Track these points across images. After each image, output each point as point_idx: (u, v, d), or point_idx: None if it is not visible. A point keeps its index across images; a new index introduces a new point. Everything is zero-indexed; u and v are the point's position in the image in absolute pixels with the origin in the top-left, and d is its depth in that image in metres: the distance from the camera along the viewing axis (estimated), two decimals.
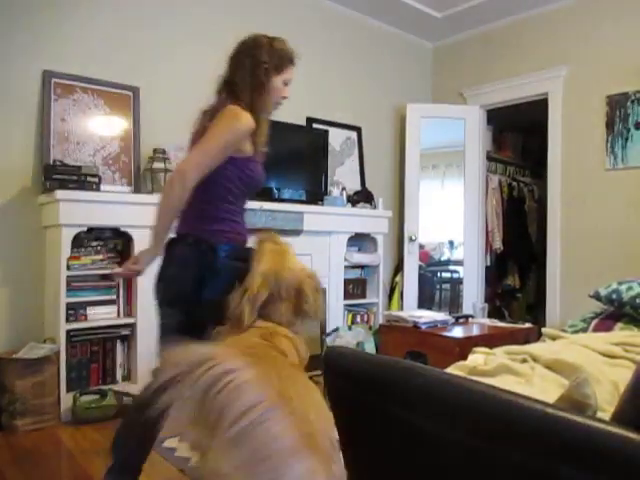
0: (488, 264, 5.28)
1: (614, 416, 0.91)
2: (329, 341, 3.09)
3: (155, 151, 3.22)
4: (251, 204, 3.41)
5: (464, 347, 2.64)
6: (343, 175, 4.45)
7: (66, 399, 2.77)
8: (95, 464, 2.24)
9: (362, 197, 4.30)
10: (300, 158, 4.04)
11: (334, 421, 1.20)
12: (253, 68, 1.91)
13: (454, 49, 5.13)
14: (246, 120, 1.82)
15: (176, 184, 1.71)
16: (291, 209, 3.64)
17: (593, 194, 4.11)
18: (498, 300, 5.78)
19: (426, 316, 3.14)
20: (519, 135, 6.28)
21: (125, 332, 3.05)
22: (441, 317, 3.30)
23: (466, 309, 4.43)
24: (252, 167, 1.91)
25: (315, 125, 4.29)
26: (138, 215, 2.98)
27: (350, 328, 3.32)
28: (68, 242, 2.79)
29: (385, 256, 4.42)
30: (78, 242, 2.88)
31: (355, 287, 4.17)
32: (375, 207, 4.34)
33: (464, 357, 2.12)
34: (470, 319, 3.53)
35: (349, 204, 4.17)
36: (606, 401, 1.43)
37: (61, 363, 2.77)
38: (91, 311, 2.93)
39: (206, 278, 1.74)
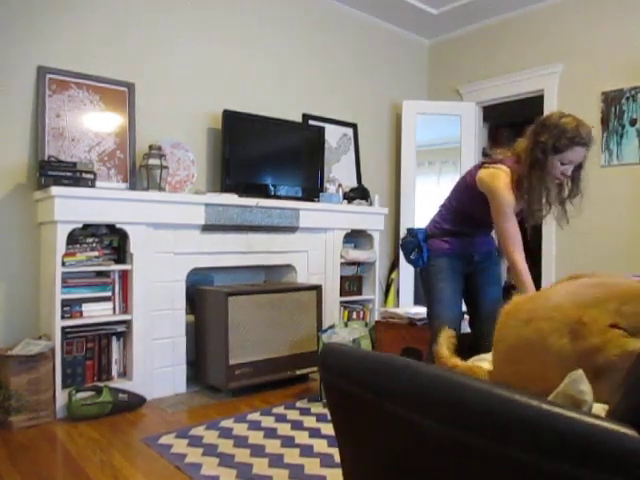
0: None
1: (609, 412, 0.92)
2: (325, 338, 3.09)
3: (151, 147, 3.21)
4: (247, 201, 3.42)
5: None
6: (339, 172, 4.45)
7: (61, 396, 2.76)
8: (91, 461, 2.24)
9: (358, 194, 4.30)
10: (296, 155, 4.04)
11: (331, 417, 1.20)
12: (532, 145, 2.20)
13: (450, 46, 5.13)
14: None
15: None
16: (287, 206, 3.63)
17: (588, 191, 4.10)
18: None
19: (422, 312, 3.14)
20: (515, 132, 6.28)
21: (121, 329, 3.04)
22: None
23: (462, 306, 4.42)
24: None
25: (311, 122, 4.28)
26: (134, 212, 2.98)
27: (346, 325, 3.32)
28: (63, 239, 2.78)
29: (381, 253, 4.43)
30: (73, 239, 2.87)
31: (351, 284, 4.18)
32: (371, 204, 4.34)
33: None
34: (466, 315, 3.52)
35: (345, 201, 4.17)
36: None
37: (56, 360, 2.76)
38: (86, 308, 2.92)
39: None
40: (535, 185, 2.17)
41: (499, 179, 2.24)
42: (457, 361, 1.57)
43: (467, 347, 2.33)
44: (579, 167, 2.27)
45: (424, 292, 2.59)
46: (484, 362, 1.71)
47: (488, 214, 2.30)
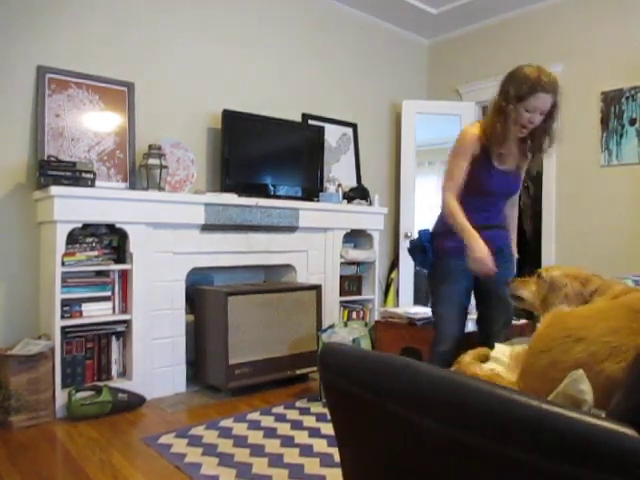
0: None
1: (609, 412, 0.92)
2: (325, 337, 3.09)
3: (150, 147, 3.21)
4: (246, 201, 3.42)
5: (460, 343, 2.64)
6: (339, 171, 4.44)
7: (61, 395, 2.76)
8: (90, 460, 2.24)
9: (358, 193, 4.30)
10: (296, 154, 4.04)
11: (331, 417, 1.20)
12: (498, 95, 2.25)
13: (450, 45, 5.13)
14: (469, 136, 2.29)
15: None
16: (287, 205, 3.63)
17: (588, 191, 4.12)
18: None
19: (421, 312, 3.14)
20: None
21: (120, 328, 3.04)
22: None
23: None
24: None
25: (311, 121, 4.28)
26: (133, 211, 2.98)
27: (346, 325, 3.32)
28: (63, 238, 2.78)
29: (381, 253, 4.43)
30: (73, 238, 2.87)
31: (351, 284, 4.18)
32: (371, 204, 4.34)
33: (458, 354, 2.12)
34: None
35: (345, 201, 4.17)
36: None
37: (56, 359, 2.76)
38: (86, 307, 2.92)
39: None
40: (500, 131, 2.22)
41: (467, 130, 2.34)
42: (477, 369, 1.56)
43: (474, 347, 2.32)
44: (550, 118, 2.25)
45: (429, 292, 2.59)
46: (489, 363, 1.71)
47: (475, 187, 2.33)
